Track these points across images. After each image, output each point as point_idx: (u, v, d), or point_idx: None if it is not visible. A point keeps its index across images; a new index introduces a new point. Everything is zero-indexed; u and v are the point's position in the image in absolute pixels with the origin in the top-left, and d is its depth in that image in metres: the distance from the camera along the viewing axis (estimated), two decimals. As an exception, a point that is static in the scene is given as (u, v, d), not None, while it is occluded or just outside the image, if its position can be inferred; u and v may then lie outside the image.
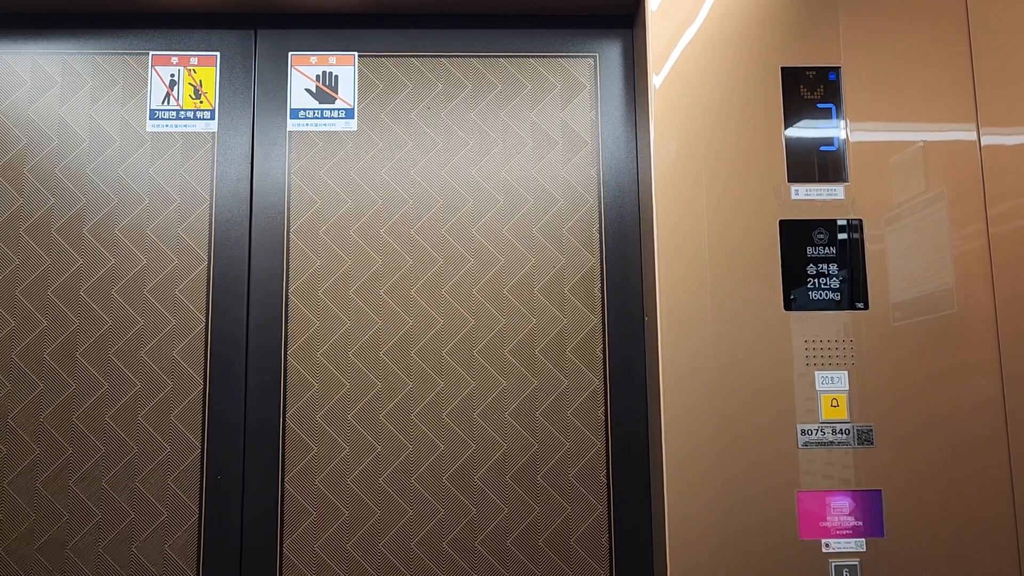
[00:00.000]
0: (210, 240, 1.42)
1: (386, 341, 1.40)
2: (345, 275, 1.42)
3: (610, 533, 1.35)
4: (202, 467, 1.36)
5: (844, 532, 1.24)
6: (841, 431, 1.26)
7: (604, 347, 1.39)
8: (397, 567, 1.35)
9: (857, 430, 1.26)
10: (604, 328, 1.40)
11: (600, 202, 1.43)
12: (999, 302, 1.27)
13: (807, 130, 1.32)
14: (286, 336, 1.40)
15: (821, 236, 1.29)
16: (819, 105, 1.33)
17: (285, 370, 1.39)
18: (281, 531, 1.36)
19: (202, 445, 1.37)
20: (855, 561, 1.23)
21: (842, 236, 1.29)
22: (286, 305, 1.40)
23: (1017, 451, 1.24)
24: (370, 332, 1.40)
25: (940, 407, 1.26)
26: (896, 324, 1.28)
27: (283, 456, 1.37)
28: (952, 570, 1.23)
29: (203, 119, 1.45)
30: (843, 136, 1.32)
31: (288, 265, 1.41)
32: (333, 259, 1.42)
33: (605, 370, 1.39)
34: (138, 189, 1.43)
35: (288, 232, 1.42)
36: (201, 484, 1.36)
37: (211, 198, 1.43)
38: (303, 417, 1.38)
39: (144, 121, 1.45)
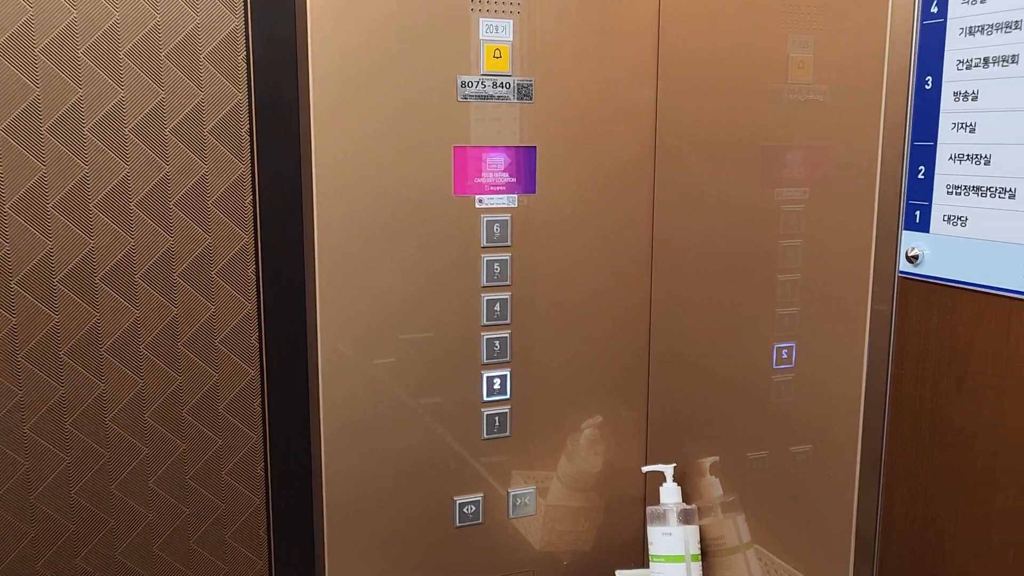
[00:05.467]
0: None
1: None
2: None
3: (266, 461, 1.23)
4: None
5: (498, 188, 1.21)
6: (502, 84, 1.19)
7: (254, 199, 1.17)
8: (15, 525, 1.12)
9: (518, 84, 1.20)
10: (254, 178, 1.16)
11: (247, 22, 1.14)
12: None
13: None
14: None
15: None
16: None
17: None
18: None
19: None
20: (506, 216, 1.22)
21: None
22: None
23: (663, 120, 1.26)
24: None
25: (601, 67, 1.24)
26: (565, -25, 1.20)
27: None
28: (595, 225, 1.27)
29: None
30: None
31: None
32: None
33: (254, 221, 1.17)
34: None
35: None
36: None
37: None
38: None
39: None
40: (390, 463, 1.21)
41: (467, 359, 1.23)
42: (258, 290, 1.20)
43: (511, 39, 1.19)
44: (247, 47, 1.15)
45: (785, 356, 1.11)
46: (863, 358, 0.94)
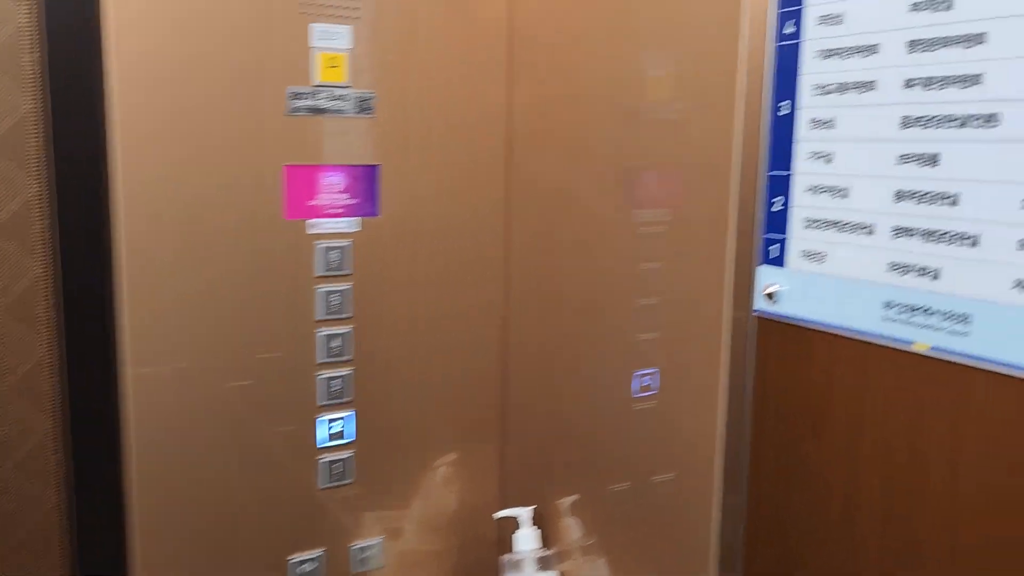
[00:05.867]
0: None
1: None
2: None
3: (66, 527, 1.05)
4: None
5: (336, 211, 1.10)
6: (339, 97, 1.08)
7: (49, 224, 1.00)
8: None
9: (358, 97, 1.09)
10: (48, 200, 1.00)
11: (37, 17, 0.98)
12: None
13: None
14: None
15: None
16: None
17: None
18: None
19: None
20: (346, 242, 1.10)
21: None
22: None
23: (517, 137, 1.18)
24: None
25: (450, 80, 1.14)
26: (410, -22, 1.11)
27: None
28: (446, 249, 1.17)
29: None
30: None
31: None
32: None
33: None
34: None
35: None
36: None
37: None
38: None
39: None
40: (212, 521, 1.07)
41: (300, 401, 1.10)
42: (56, 328, 1.04)
43: (349, 47, 1.07)
44: (38, 47, 0.99)
45: (647, 383, 1.05)
46: (719, 398, 0.88)
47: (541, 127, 1.15)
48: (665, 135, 0.94)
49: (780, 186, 0.81)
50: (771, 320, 0.83)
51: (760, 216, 0.83)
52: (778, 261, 0.82)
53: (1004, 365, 0.64)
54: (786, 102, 0.80)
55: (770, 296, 0.83)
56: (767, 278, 0.83)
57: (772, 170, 0.81)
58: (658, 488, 1.04)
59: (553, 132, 1.13)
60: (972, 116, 0.65)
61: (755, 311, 0.84)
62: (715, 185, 0.85)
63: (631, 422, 1.06)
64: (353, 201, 1.11)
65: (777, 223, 0.82)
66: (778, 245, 0.82)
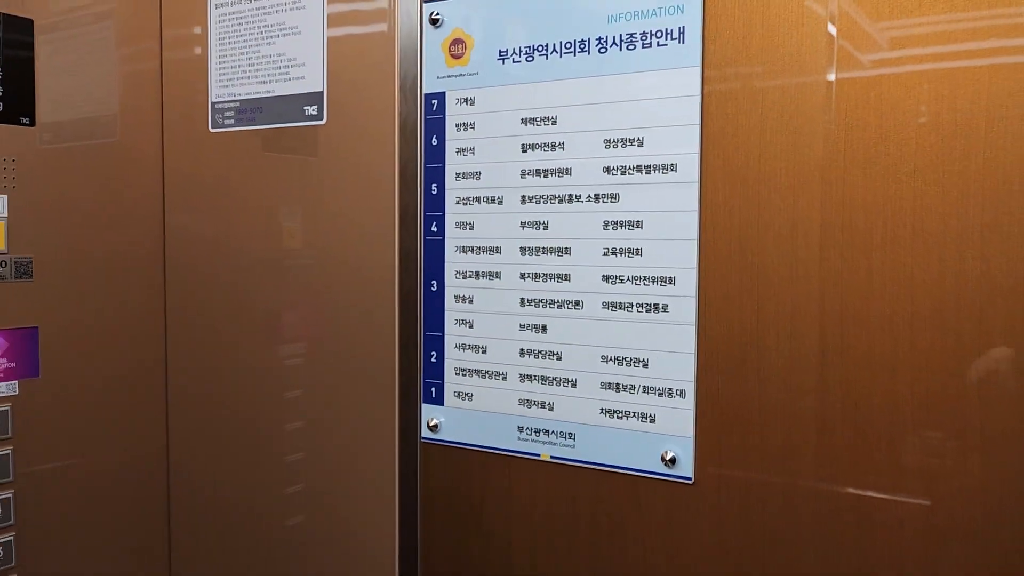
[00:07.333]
0: None
1: None
2: None
3: None
4: None
5: (-6, 376, 1.09)
6: (-4, 263, 1.09)
7: None
8: None
9: (15, 262, 1.11)
10: None
11: None
12: (167, 135, 1.27)
13: None
14: None
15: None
16: None
17: None
18: None
19: None
20: (5, 407, 1.10)
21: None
22: None
23: (172, 299, 1.28)
24: None
25: (107, 243, 1.21)
26: (60, 146, 1.16)
27: None
28: (105, 401, 1.21)
29: None
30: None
31: None
32: None
33: None
34: None
35: None
36: None
37: None
38: None
39: None
40: None
41: (-32, 580, 1.06)
42: None
43: (5, 215, 1.09)
44: None
45: (303, 512, 1.19)
46: (394, 513, 1.10)
47: (198, 283, 1.26)
48: (337, 309, 1.14)
49: (434, 344, 1.07)
50: (434, 445, 1.08)
51: (420, 366, 1.08)
52: (437, 401, 1.07)
53: (598, 465, 0.97)
54: (434, 281, 1.07)
55: (433, 428, 1.08)
56: (428, 414, 1.08)
57: (427, 331, 1.07)
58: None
59: (207, 287, 1.25)
60: (566, 300, 0.98)
61: (422, 438, 1.08)
62: (384, 343, 1.08)
63: (306, 539, 1.21)
64: (12, 365, 1.11)
65: (435, 371, 1.07)
66: (436, 388, 1.07)
